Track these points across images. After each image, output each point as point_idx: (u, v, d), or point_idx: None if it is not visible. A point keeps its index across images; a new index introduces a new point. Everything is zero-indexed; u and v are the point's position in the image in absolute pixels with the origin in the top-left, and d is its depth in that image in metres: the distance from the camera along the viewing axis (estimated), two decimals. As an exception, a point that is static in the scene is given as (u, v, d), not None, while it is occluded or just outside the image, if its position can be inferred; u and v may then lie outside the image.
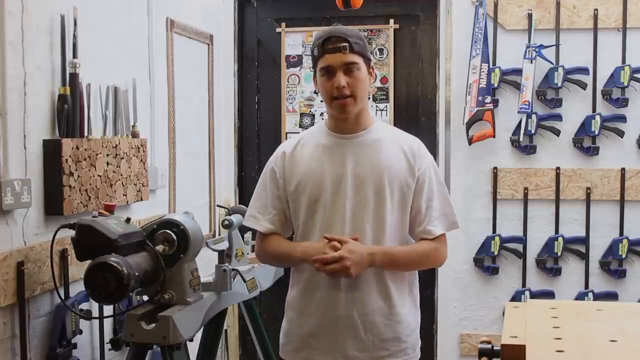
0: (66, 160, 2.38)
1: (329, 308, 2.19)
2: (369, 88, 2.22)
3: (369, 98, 3.95)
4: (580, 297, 3.72)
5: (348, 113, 2.17)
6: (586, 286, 3.74)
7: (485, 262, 3.81)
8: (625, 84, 3.62)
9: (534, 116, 3.69)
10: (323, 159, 2.21)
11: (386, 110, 4.00)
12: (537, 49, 3.65)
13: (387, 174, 2.18)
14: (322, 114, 3.98)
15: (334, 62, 2.14)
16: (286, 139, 4.04)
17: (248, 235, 2.93)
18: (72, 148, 2.41)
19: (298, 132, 4.03)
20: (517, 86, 3.70)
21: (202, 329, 2.60)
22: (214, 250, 2.71)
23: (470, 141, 3.74)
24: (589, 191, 3.71)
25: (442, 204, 2.25)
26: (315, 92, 2.31)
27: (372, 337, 2.19)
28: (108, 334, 2.71)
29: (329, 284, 2.18)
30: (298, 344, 2.26)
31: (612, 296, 3.70)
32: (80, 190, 2.46)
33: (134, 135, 2.89)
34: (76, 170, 2.44)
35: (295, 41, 4.07)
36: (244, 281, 2.76)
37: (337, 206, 2.17)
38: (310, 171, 2.21)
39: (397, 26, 3.97)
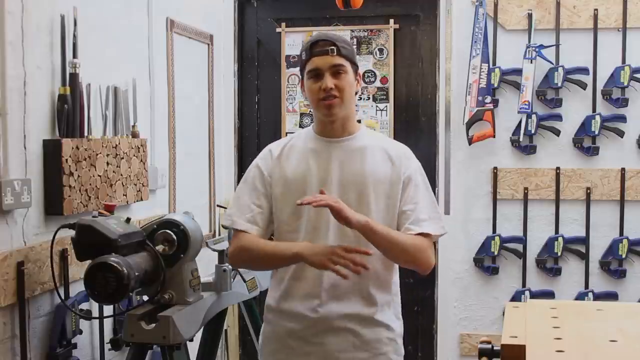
0: (66, 160, 2.38)
1: (310, 309, 2.17)
2: (354, 95, 2.22)
3: (368, 98, 4.00)
4: (580, 297, 3.72)
5: (334, 115, 2.16)
6: (586, 286, 3.74)
7: (485, 262, 3.81)
8: (625, 84, 3.62)
9: (534, 116, 3.69)
10: (309, 162, 2.20)
11: (386, 110, 4.00)
12: (537, 49, 3.65)
13: (372, 180, 2.17)
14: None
15: (322, 65, 2.14)
16: (286, 139, 4.04)
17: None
18: (72, 148, 2.41)
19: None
20: (517, 86, 3.70)
21: (202, 329, 2.60)
22: (214, 250, 2.71)
23: (470, 141, 3.73)
24: (589, 191, 3.71)
25: (430, 209, 2.21)
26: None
27: (352, 338, 2.17)
28: (108, 334, 2.71)
29: (310, 286, 2.17)
30: (277, 345, 2.24)
31: (612, 296, 3.70)
32: (80, 190, 2.46)
33: (134, 135, 2.89)
34: (76, 170, 2.44)
35: (295, 41, 4.07)
36: (244, 281, 2.76)
37: (322, 210, 2.14)
38: (297, 174, 2.19)
39: (397, 26, 3.97)
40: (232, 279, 2.58)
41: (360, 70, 2.28)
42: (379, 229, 2.08)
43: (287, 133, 4.06)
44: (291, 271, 2.20)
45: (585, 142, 3.71)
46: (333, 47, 2.13)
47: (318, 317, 2.17)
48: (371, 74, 3.99)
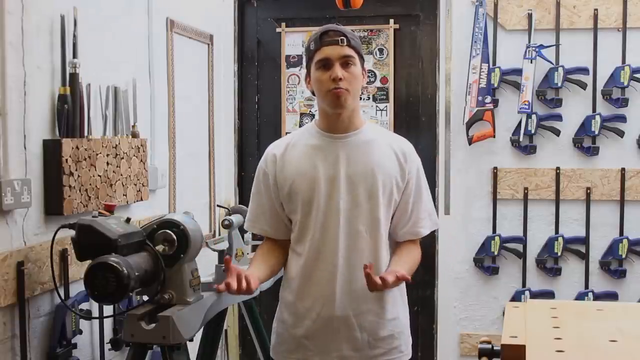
0: (66, 160, 2.38)
1: (325, 308, 2.18)
2: (361, 87, 2.23)
3: (368, 98, 4.00)
4: (580, 297, 3.72)
5: (342, 107, 2.15)
6: (586, 286, 3.74)
7: (485, 262, 3.81)
8: (625, 84, 3.62)
9: (534, 116, 3.69)
10: (315, 159, 2.20)
11: (386, 110, 4.00)
12: (537, 49, 3.65)
13: (380, 175, 2.18)
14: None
15: (332, 54, 2.13)
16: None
17: (248, 235, 2.93)
18: (72, 148, 2.41)
19: (298, 132, 4.04)
20: (517, 86, 3.70)
21: (202, 329, 2.60)
22: (214, 250, 2.71)
23: (470, 141, 3.74)
24: (589, 191, 3.71)
25: (427, 205, 2.29)
26: (313, 92, 2.28)
27: (367, 336, 2.19)
28: (108, 334, 2.71)
29: (323, 284, 2.18)
30: (292, 345, 2.24)
31: (612, 296, 3.70)
32: (80, 190, 2.46)
33: (134, 135, 2.89)
34: (76, 170, 2.44)
35: (295, 41, 4.07)
36: (244, 281, 2.75)
37: (331, 206, 2.17)
38: (303, 171, 2.19)
39: (397, 26, 3.97)
40: (232, 279, 2.57)
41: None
42: (408, 271, 2.13)
43: (286, 133, 4.06)
44: (301, 270, 2.21)
45: (585, 142, 3.71)
46: (343, 38, 2.14)
47: (334, 317, 2.18)
48: (371, 74, 3.99)
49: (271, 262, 2.25)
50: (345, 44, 2.14)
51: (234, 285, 1.99)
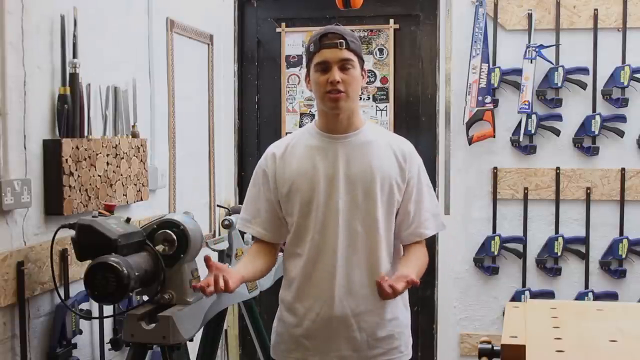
0: (66, 160, 2.38)
1: (324, 308, 2.18)
2: (360, 89, 2.23)
3: (368, 98, 4.00)
4: (580, 297, 3.72)
5: (340, 109, 2.16)
6: (586, 286, 3.74)
7: (485, 262, 3.81)
8: (625, 84, 3.62)
9: (534, 116, 3.69)
10: (315, 159, 2.20)
11: (386, 110, 4.00)
12: (537, 49, 3.65)
13: (379, 175, 2.18)
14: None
15: (331, 57, 2.14)
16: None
17: (248, 235, 2.93)
18: (72, 148, 2.41)
19: (298, 132, 4.04)
20: (517, 86, 3.70)
21: (202, 329, 2.60)
22: (214, 250, 2.72)
23: (470, 141, 3.74)
24: (589, 191, 3.71)
25: (432, 205, 2.27)
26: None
27: (366, 336, 2.19)
28: (108, 334, 2.71)
29: (322, 285, 2.18)
30: (291, 344, 2.25)
31: (612, 296, 3.70)
32: (80, 190, 2.46)
33: (134, 135, 2.89)
34: (76, 170, 2.44)
35: (295, 41, 4.07)
36: (244, 281, 2.75)
37: (330, 207, 2.17)
38: (303, 172, 2.19)
39: (397, 26, 3.97)
40: (232, 279, 2.57)
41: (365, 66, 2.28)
42: (417, 274, 2.13)
43: (287, 133, 4.06)
44: (301, 271, 2.21)
45: (585, 142, 3.71)
46: (342, 41, 2.13)
47: (333, 317, 2.18)
48: (371, 74, 3.99)
49: (260, 262, 2.25)
50: (344, 47, 2.13)
51: (209, 290, 1.97)
